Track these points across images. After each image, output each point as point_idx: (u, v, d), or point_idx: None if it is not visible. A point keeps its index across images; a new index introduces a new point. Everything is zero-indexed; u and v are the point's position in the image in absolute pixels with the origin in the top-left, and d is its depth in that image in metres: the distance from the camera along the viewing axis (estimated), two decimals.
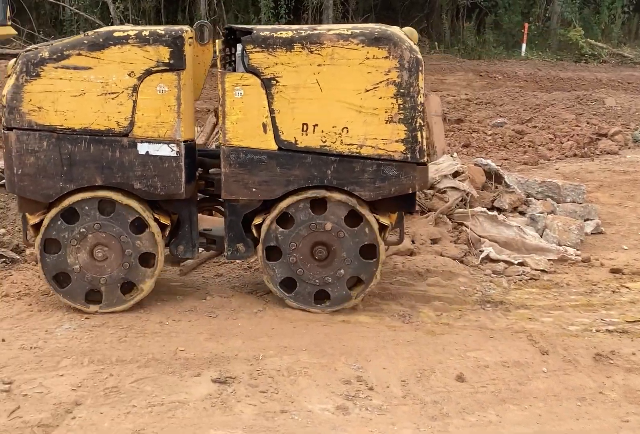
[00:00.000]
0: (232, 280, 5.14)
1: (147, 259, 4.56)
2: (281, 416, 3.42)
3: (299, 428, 3.32)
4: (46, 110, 4.35)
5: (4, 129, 4.45)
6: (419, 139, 4.33)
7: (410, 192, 4.45)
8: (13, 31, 14.22)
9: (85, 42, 4.32)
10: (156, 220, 4.50)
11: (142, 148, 4.41)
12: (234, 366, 3.89)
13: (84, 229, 4.45)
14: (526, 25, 22.21)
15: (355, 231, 4.47)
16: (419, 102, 4.30)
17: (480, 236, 5.86)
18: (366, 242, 4.48)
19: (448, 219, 6.04)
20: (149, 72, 4.31)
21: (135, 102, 4.34)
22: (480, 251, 5.68)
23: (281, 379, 3.76)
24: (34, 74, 4.32)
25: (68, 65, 4.32)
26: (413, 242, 5.69)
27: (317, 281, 4.54)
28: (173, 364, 3.90)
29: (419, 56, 4.30)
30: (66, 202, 4.43)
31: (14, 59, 4.44)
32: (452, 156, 6.74)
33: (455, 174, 6.46)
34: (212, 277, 5.25)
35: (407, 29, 4.55)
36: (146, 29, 4.36)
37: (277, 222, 4.49)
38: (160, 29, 4.38)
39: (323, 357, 4.02)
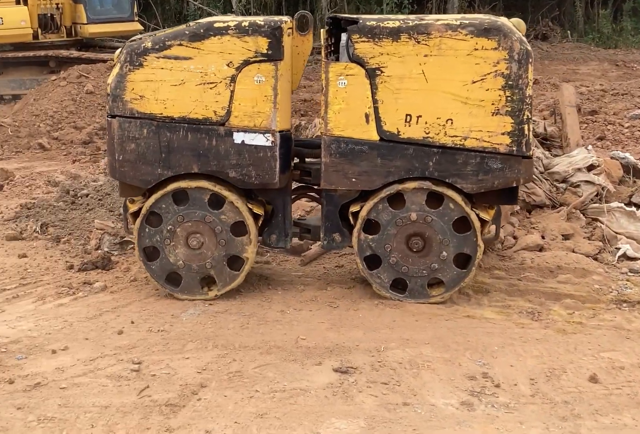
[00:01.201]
0: (353, 271, 5.19)
1: (239, 230, 4.67)
2: (403, 409, 3.43)
3: (422, 421, 3.32)
4: (147, 99, 4.55)
5: (107, 117, 4.68)
6: (526, 132, 4.31)
7: (514, 185, 4.44)
8: (139, 27, 14.92)
9: (187, 32, 4.49)
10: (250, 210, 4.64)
11: (238, 137, 4.55)
12: (355, 357, 3.93)
13: (170, 226, 4.64)
14: None
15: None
16: (527, 95, 4.28)
17: (616, 233, 5.61)
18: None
19: (581, 215, 5.83)
20: (247, 63, 4.44)
21: (232, 92, 4.48)
22: (616, 248, 5.45)
23: (403, 372, 3.77)
24: (137, 63, 4.52)
25: (169, 55, 4.49)
26: (543, 237, 5.53)
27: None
28: (294, 352, 4.00)
29: (529, 48, 4.28)
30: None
31: (120, 49, 4.68)
32: (586, 149, 6.49)
33: (590, 168, 6.21)
34: (333, 268, 5.32)
35: (514, 19, 4.53)
36: (246, 20, 4.49)
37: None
38: (259, 19, 4.50)
39: (446, 351, 3.99)
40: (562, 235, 5.52)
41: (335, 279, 5.07)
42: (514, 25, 4.41)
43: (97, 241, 5.76)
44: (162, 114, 4.56)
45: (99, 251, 5.57)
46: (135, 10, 14.92)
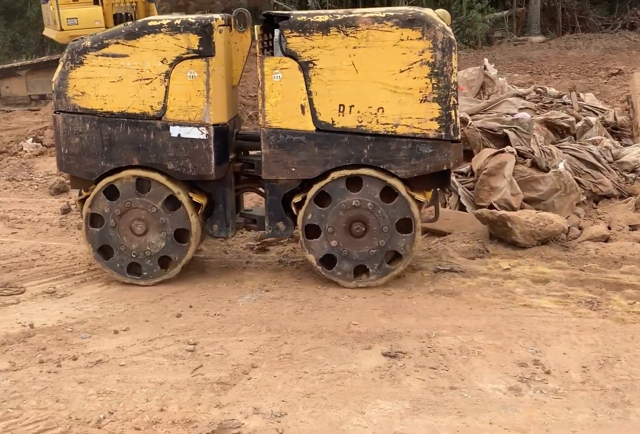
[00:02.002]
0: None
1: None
2: (450, 392, 3.51)
3: (467, 404, 3.40)
4: (88, 95, 4.83)
5: (53, 113, 4.96)
6: (453, 117, 4.53)
7: (445, 169, 4.63)
8: None
9: (123, 31, 4.77)
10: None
11: (174, 131, 4.79)
12: (405, 342, 4.03)
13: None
14: None
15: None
16: (452, 81, 4.50)
17: None
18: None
19: None
20: (179, 59, 4.69)
21: (167, 87, 4.74)
22: None
23: (452, 358, 3.85)
24: (78, 61, 4.80)
25: (107, 53, 4.76)
26: (609, 228, 5.48)
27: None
28: (345, 337, 4.13)
29: (452, 37, 4.47)
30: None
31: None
32: None
33: None
34: None
35: (439, 10, 4.74)
36: (178, 18, 4.73)
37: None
38: (191, 17, 4.74)
39: (499, 339, 4.04)
40: (630, 226, 5.46)
41: None
42: (439, 16, 4.60)
43: None
44: (102, 109, 4.84)
45: None
46: None
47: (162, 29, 4.70)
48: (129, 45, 4.75)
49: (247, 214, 5.24)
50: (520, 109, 6.95)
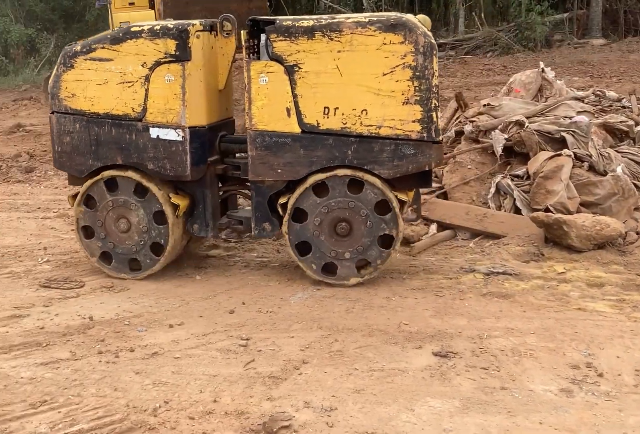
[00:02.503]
0: (460, 262, 5.32)
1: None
2: (500, 392, 3.56)
3: (518, 405, 3.44)
4: (78, 96, 5.13)
5: (49, 113, 5.26)
6: (434, 119, 4.68)
7: (427, 169, 4.77)
8: None
9: (109, 36, 5.03)
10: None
11: (154, 132, 5.02)
12: (457, 343, 4.09)
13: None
14: None
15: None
16: (433, 84, 4.64)
17: None
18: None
19: None
20: (158, 63, 4.92)
21: (147, 90, 4.98)
22: None
23: (504, 359, 3.89)
24: (69, 65, 5.10)
25: (94, 57, 5.05)
26: None
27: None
28: (396, 336, 4.20)
29: (433, 41, 4.62)
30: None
31: None
32: None
33: None
34: (442, 259, 5.48)
35: (420, 16, 4.91)
36: (158, 24, 4.95)
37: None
38: (170, 23, 4.95)
39: (552, 341, 4.07)
40: None
41: (444, 270, 5.23)
42: (420, 21, 4.75)
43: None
44: (90, 110, 5.13)
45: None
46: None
47: (142, 35, 4.95)
48: (113, 50, 5.02)
49: (234, 215, 5.39)
50: (579, 112, 6.91)
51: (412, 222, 5.55)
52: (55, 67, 5.21)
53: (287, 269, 5.39)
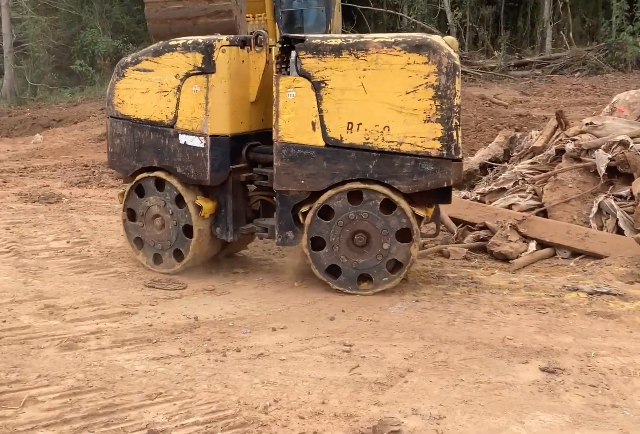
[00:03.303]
0: (562, 281, 5.34)
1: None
2: (611, 410, 3.57)
3: (630, 423, 3.45)
4: (126, 103, 5.66)
5: (106, 117, 5.84)
6: (455, 137, 4.83)
7: (445, 186, 4.91)
8: None
9: (152, 49, 5.53)
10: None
11: (182, 138, 5.44)
12: (563, 359, 4.11)
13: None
14: None
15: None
16: (455, 104, 4.82)
17: None
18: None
19: None
20: (188, 75, 5.36)
21: (178, 99, 5.42)
22: None
23: (613, 377, 3.90)
24: (121, 74, 5.66)
25: (140, 68, 5.55)
26: None
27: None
28: (501, 350, 4.26)
29: (457, 62, 4.81)
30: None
31: None
32: None
33: None
34: (542, 276, 5.50)
35: (447, 38, 5.05)
36: (191, 39, 5.38)
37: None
38: (200, 38, 5.36)
39: None
40: None
41: (546, 287, 5.25)
42: (447, 43, 4.92)
43: None
44: (134, 116, 5.64)
45: None
46: (333, 26, 15.24)
47: (177, 48, 5.41)
48: (154, 62, 5.51)
49: (260, 222, 5.60)
50: None
51: (431, 238, 5.76)
52: (112, 76, 5.72)
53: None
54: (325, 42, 4.97)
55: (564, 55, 21.12)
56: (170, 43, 5.46)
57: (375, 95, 4.90)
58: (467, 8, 23.16)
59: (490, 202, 6.70)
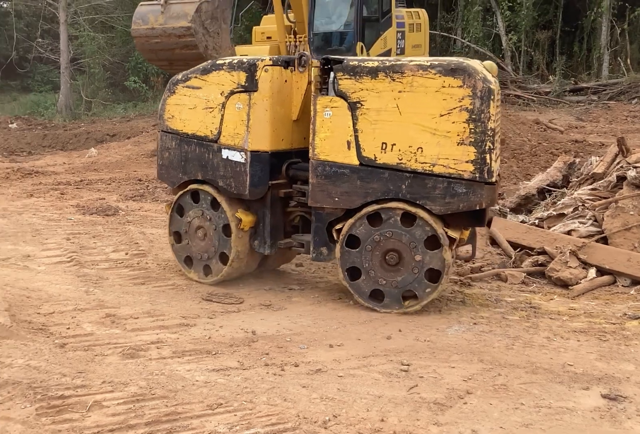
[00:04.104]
0: (624, 308, 5.31)
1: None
2: None
3: None
4: (175, 118, 5.95)
5: (158, 131, 6.15)
6: (488, 161, 4.91)
7: (477, 208, 4.98)
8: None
9: (200, 67, 5.78)
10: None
11: (225, 153, 5.67)
12: (625, 387, 4.10)
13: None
14: None
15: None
16: (489, 127, 4.89)
17: None
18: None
19: None
20: (232, 92, 5.58)
21: (222, 116, 5.65)
22: None
23: None
24: (172, 91, 5.96)
25: (189, 85, 5.83)
26: None
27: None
28: (561, 375, 4.26)
29: (492, 86, 4.87)
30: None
31: None
32: None
33: None
34: (602, 304, 5.48)
35: (487, 62, 5.15)
36: (236, 58, 5.68)
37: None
38: (245, 58, 5.63)
39: None
40: None
41: (606, 315, 5.23)
42: (486, 67, 5.04)
43: None
44: (182, 130, 5.93)
45: None
46: (360, 48, 15.17)
47: (223, 67, 5.64)
48: (202, 79, 5.77)
49: (297, 238, 5.73)
50: None
51: (467, 261, 5.80)
52: (164, 92, 6.02)
53: (441, 301, 5.53)
54: (362, 64, 5.14)
55: (621, 82, 20.95)
56: (218, 62, 5.73)
57: (410, 117, 5.03)
58: (522, 32, 23.14)
59: (549, 228, 6.70)
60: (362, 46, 14.40)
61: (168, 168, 6.06)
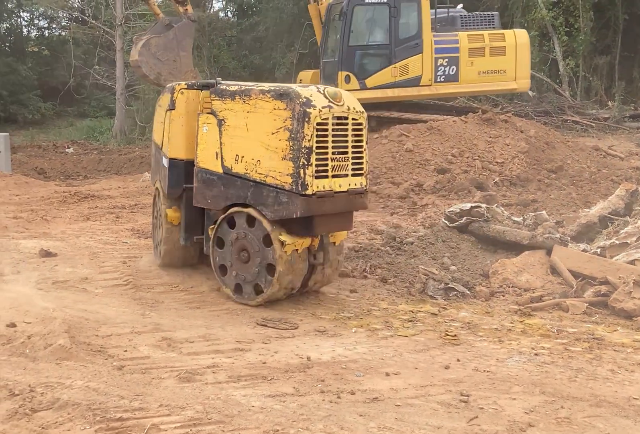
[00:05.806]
0: None
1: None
2: None
3: None
4: (153, 130, 7.18)
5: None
6: (302, 175, 5.55)
7: (294, 217, 5.62)
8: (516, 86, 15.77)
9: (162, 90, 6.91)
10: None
11: (163, 159, 6.70)
12: None
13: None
14: None
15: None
16: (303, 146, 5.53)
17: None
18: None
19: None
20: (167, 110, 6.56)
21: (164, 129, 6.66)
22: None
23: None
24: (155, 108, 7.10)
25: (158, 104, 7.07)
26: None
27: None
28: (626, 409, 4.16)
29: (308, 110, 5.53)
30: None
31: None
32: None
33: None
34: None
35: (330, 89, 5.78)
36: (172, 83, 6.67)
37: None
38: (173, 83, 6.63)
39: None
40: None
41: None
42: (328, 94, 5.69)
43: (421, 285, 6.44)
44: (155, 140, 7.08)
45: (423, 294, 6.22)
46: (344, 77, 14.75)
47: (166, 90, 6.70)
48: (159, 99, 7.05)
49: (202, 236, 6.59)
50: None
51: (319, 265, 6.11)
52: None
53: (500, 331, 5.47)
54: (227, 88, 6.05)
55: None
56: (167, 86, 6.82)
57: (254, 134, 5.82)
58: (580, 57, 22.94)
59: (612, 257, 6.58)
60: (346, 75, 14.51)
61: (153, 172, 7.32)
